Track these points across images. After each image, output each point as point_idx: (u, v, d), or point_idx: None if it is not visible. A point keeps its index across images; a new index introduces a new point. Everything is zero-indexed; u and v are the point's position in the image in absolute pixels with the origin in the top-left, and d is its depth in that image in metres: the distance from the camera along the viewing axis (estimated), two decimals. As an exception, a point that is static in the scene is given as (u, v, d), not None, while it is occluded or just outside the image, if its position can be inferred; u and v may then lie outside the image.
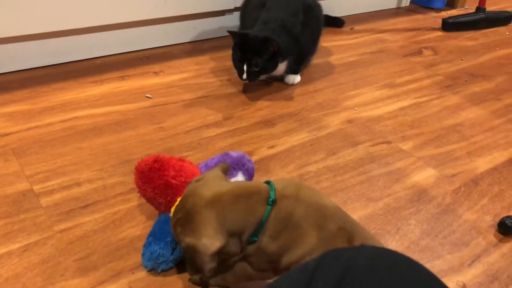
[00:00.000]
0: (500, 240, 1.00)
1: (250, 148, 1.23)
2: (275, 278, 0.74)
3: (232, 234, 0.70)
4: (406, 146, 1.29)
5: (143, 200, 0.93)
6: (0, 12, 1.38)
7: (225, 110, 1.39)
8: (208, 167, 0.96)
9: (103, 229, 0.95)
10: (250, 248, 0.72)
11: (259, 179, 1.04)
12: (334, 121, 1.37)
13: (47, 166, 1.11)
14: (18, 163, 1.11)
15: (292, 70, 1.55)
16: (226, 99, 1.45)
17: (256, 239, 0.71)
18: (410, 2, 2.46)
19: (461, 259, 0.94)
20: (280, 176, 1.14)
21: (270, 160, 1.19)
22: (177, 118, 1.33)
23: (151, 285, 0.84)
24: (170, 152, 1.17)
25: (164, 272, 0.86)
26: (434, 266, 0.92)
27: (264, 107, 1.42)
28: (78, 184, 1.06)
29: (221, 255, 0.70)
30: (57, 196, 1.02)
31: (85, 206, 1.00)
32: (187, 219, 0.71)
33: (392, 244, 0.97)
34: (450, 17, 2.16)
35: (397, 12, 2.36)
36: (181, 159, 0.92)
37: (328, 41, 1.92)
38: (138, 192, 0.91)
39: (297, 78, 1.58)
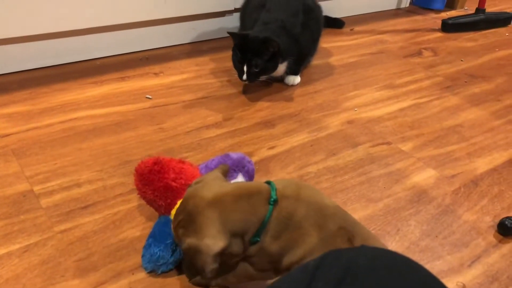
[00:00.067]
0: (500, 241, 1.00)
1: (250, 149, 1.23)
2: (276, 278, 0.74)
3: (235, 234, 0.70)
4: (406, 147, 1.29)
5: (143, 201, 0.93)
6: (0, 13, 1.38)
7: (225, 111, 1.39)
8: (208, 169, 0.96)
9: (103, 230, 0.95)
10: (252, 249, 0.72)
11: (259, 180, 1.04)
12: (334, 122, 1.38)
13: (47, 167, 1.11)
14: (18, 164, 1.11)
15: (292, 71, 1.55)
16: (226, 100, 1.45)
17: (258, 239, 0.71)
18: (410, 3, 2.46)
19: (461, 260, 0.94)
20: (280, 177, 1.14)
21: (270, 161, 1.19)
22: (177, 119, 1.33)
23: (151, 286, 0.84)
24: (170, 153, 1.17)
25: (164, 273, 0.86)
26: (434, 266, 0.92)
27: (264, 108, 1.42)
28: (78, 185, 1.06)
29: (224, 256, 0.70)
30: (57, 197, 1.02)
31: (85, 207, 1.00)
32: (189, 220, 0.71)
33: (392, 245, 0.97)
34: (449, 18, 2.16)
35: (397, 13, 2.36)
36: (181, 161, 0.92)
37: (328, 42, 1.92)
38: (138, 194, 0.91)
39: (297, 79, 1.58)
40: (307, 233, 0.70)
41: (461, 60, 1.86)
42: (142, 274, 0.86)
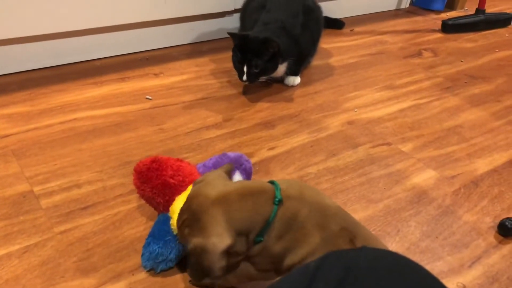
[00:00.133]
0: (500, 242, 1.00)
1: (250, 149, 1.23)
2: (277, 278, 0.74)
3: (239, 233, 0.69)
4: (406, 147, 1.29)
5: (143, 202, 0.93)
6: (0, 14, 1.38)
7: (225, 111, 1.39)
8: (206, 168, 0.97)
9: (103, 230, 0.95)
10: (256, 248, 0.72)
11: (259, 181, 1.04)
12: (334, 123, 1.37)
13: (47, 168, 1.11)
14: (18, 164, 1.11)
15: (292, 71, 1.55)
16: (226, 100, 1.45)
17: (262, 239, 0.71)
18: (410, 4, 2.46)
19: (461, 261, 0.94)
20: (280, 177, 1.14)
21: (270, 162, 1.19)
22: (177, 119, 1.33)
23: (151, 286, 0.84)
24: (170, 154, 1.17)
25: (164, 273, 0.86)
26: (434, 267, 0.92)
27: (264, 109, 1.42)
28: (78, 186, 1.06)
29: (228, 255, 0.70)
30: (57, 198, 1.02)
31: (85, 208, 1.00)
32: (193, 220, 0.71)
33: (392, 245, 0.97)
34: (449, 19, 2.16)
35: (397, 13, 2.36)
36: (179, 160, 0.93)
37: (328, 42, 1.92)
38: (137, 192, 0.91)
39: (297, 80, 1.58)
40: (310, 234, 0.70)
41: (461, 61, 1.86)
42: (142, 275, 0.86)
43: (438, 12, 2.41)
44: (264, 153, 1.22)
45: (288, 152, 1.23)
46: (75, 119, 1.30)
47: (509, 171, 1.22)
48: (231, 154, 0.98)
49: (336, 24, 2.09)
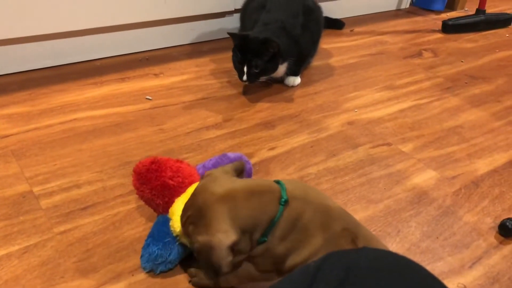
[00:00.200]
0: (501, 242, 1.00)
1: (250, 150, 1.22)
2: (278, 279, 0.74)
3: (244, 231, 0.69)
4: (406, 148, 1.29)
5: (143, 202, 0.93)
6: (0, 14, 1.38)
7: (225, 112, 1.39)
8: (205, 168, 0.96)
9: (103, 231, 0.94)
10: (259, 248, 0.71)
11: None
12: (334, 123, 1.37)
13: (47, 168, 1.10)
14: (18, 164, 1.11)
15: (292, 72, 1.55)
16: (226, 101, 1.45)
17: (265, 239, 0.71)
18: (410, 4, 2.46)
19: (462, 261, 0.94)
20: (281, 178, 1.13)
21: (270, 162, 1.19)
22: (177, 120, 1.33)
23: (151, 287, 0.84)
24: (170, 154, 1.17)
25: (164, 274, 0.86)
26: (435, 268, 0.92)
27: (264, 109, 1.42)
28: (78, 186, 1.06)
29: (232, 253, 0.70)
30: (57, 198, 1.02)
31: (85, 208, 1.00)
32: (198, 216, 0.70)
33: (393, 246, 0.97)
34: (450, 19, 2.16)
35: (397, 14, 2.36)
36: (179, 161, 0.92)
37: (328, 43, 1.92)
38: (136, 193, 0.91)
39: (297, 80, 1.58)
40: (313, 235, 0.70)
41: (461, 61, 1.86)
42: (141, 275, 0.85)
43: (439, 12, 2.41)
44: (264, 154, 1.22)
45: (288, 152, 1.23)
46: (75, 119, 1.30)
47: (510, 171, 1.22)
48: (231, 154, 0.98)
49: (336, 25, 2.09)
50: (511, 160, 1.27)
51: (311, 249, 0.70)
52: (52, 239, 0.92)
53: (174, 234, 0.82)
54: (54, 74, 1.53)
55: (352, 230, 0.72)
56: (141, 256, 0.85)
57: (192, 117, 1.35)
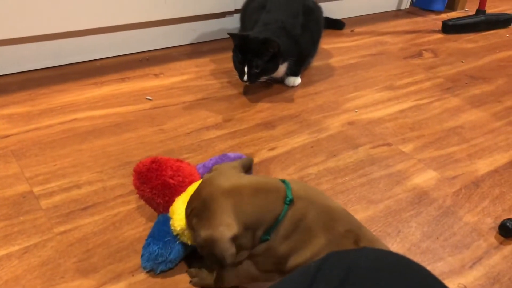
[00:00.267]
0: (501, 243, 1.00)
1: (251, 150, 1.22)
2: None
3: (247, 227, 0.69)
4: (407, 148, 1.28)
5: (143, 202, 0.93)
6: (0, 14, 1.38)
7: (225, 112, 1.39)
8: (205, 169, 0.96)
9: (103, 231, 0.94)
10: (261, 247, 0.71)
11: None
12: (335, 123, 1.37)
13: (47, 168, 1.10)
14: (18, 165, 1.11)
15: (292, 72, 1.55)
16: (226, 101, 1.45)
17: (268, 237, 0.70)
18: (410, 5, 2.46)
19: (462, 261, 0.94)
20: (281, 178, 1.13)
21: (270, 162, 1.19)
22: (177, 120, 1.33)
23: (151, 287, 0.84)
24: (170, 154, 1.17)
25: (164, 274, 0.86)
26: (435, 268, 0.92)
27: (264, 109, 1.42)
28: (78, 186, 1.06)
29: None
30: (57, 198, 1.02)
31: (85, 208, 1.00)
32: (202, 209, 0.70)
33: (393, 246, 0.97)
34: (450, 20, 2.16)
35: (397, 14, 2.36)
36: (179, 160, 0.93)
37: (328, 43, 1.92)
38: (137, 193, 0.91)
39: (297, 80, 1.58)
40: (315, 235, 0.70)
41: (462, 62, 1.86)
42: (142, 276, 0.85)
43: (439, 12, 2.41)
44: (265, 154, 1.22)
45: (288, 152, 1.23)
46: (75, 119, 1.30)
47: (510, 171, 1.22)
48: (232, 154, 0.98)
49: (336, 25, 2.09)
50: (511, 160, 1.27)
51: (313, 249, 0.70)
52: (52, 239, 0.92)
53: (175, 233, 0.82)
54: (54, 74, 1.53)
55: (355, 231, 0.72)
56: (142, 256, 0.85)
57: (192, 118, 1.35)
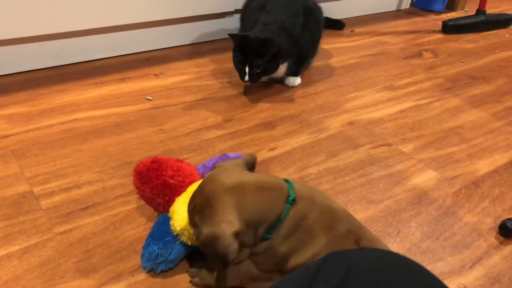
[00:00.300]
0: (501, 243, 1.00)
1: (251, 150, 1.22)
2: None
3: (249, 224, 0.69)
4: (407, 148, 1.28)
5: (143, 202, 0.93)
6: (0, 14, 1.38)
7: (226, 112, 1.39)
8: (206, 169, 0.96)
9: (103, 231, 0.94)
10: (262, 245, 0.71)
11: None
12: (335, 123, 1.37)
13: (47, 168, 1.10)
14: (18, 165, 1.11)
15: (292, 72, 1.55)
16: (226, 101, 1.45)
17: (269, 236, 0.70)
18: (410, 5, 2.46)
19: (462, 262, 0.94)
20: (281, 178, 1.14)
21: (270, 163, 1.19)
22: (178, 120, 1.33)
23: (151, 287, 0.84)
24: (170, 154, 1.17)
25: (164, 274, 0.86)
26: (435, 268, 0.92)
27: (264, 109, 1.42)
28: (78, 186, 1.06)
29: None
30: (57, 198, 1.02)
31: (85, 208, 1.00)
32: (205, 205, 0.70)
33: (393, 246, 0.97)
34: (450, 20, 2.16)
35: (397, 14, 2.36)
36: (179, 160, 0.93)
37: (328, 43, 1.92)
38: (137, 193, 0.91)
39: (297, 80, 1.58)
40: (316, 235, 0.70)
41: (462, 62, 1.86)
42: (142, 276, 0.85)
43: (439, 13, 2.41)
44: (265, 154, 1.22)
45: (288, 152, 1.23)
46: (75, 119, 1.30)
47: (510, 172, 1.22)
48: (232, 154, 0.98)
49: (336, 25, 2.09)
50: (511, 160, 1.27)
51: (314, 249, 0.70)
52: (52, 239, 0.92)
53: (175, 233, 0.82)
54: (54, 74, 1.53)
55: (356, 231, 0.72)
56: (142, 256, 0.85)
57: (192, 118, 1.35)
